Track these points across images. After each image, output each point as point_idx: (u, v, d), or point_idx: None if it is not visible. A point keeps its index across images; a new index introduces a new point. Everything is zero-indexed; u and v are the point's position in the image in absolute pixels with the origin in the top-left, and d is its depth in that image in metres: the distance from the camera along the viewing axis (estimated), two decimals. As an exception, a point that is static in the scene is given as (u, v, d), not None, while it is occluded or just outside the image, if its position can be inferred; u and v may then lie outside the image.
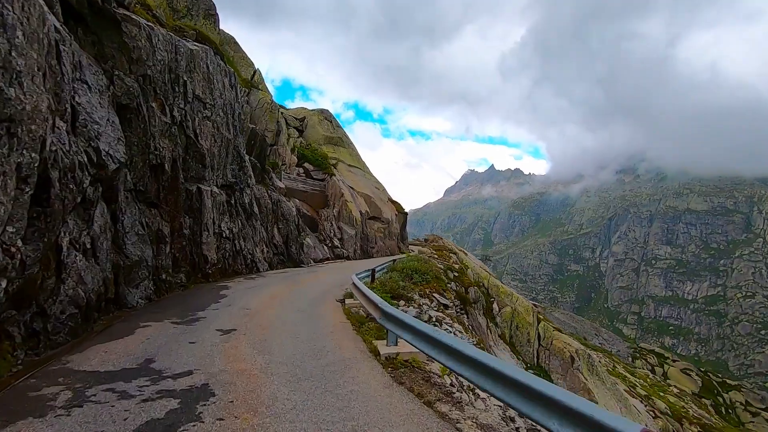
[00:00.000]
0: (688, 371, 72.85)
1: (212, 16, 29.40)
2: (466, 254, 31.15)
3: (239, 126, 18.83)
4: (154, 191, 11.34)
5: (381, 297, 10.47)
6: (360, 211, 29.33)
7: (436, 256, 22.43)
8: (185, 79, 13.45)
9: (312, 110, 46.84)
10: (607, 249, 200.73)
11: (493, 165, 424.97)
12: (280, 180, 25.95)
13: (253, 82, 37.31)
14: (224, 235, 15.54)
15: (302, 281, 15.37)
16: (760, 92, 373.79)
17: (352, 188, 31.23)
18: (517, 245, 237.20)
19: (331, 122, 42.99)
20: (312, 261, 22.82)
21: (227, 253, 15.64)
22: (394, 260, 18.81)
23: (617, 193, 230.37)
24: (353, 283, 10.53)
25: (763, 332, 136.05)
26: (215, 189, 15.17)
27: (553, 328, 20.61)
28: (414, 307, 12.72)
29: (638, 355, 78.44)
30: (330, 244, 25.61)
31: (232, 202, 16.93)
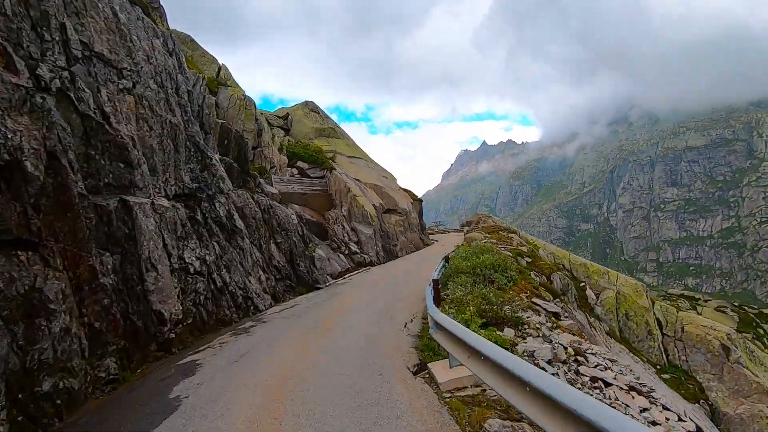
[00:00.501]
0: (722, 309, 69.31)
1: (155, 9, 23.64)
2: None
3: (192, 109, 13.15)
4: (17, 217, 5.70)
5: (482, 333, 5.07)
6: (373, 205, 23.68)
7: (494, 241, 17.03)
8: (64, 21, 7.78)
9: (294, 105, 41.05)
10: (614, 202, 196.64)
11: (484, 141, 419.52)
12: (271, 185, 20.38)
13: (220, 79, 31.90)
14: (192, 270, 9.91)
15: (325, 322, 9.62)
16: (739, 16, 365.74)
17: (358, 180, 25.57)
18: (523, 216, 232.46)
19: (318, 113, 37.23)
20: (329, 278, 17.24)
21: (201, 297, 9.99)
22: (447, 257, 13.20)
23: (614, 144, 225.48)
24: (448, 331, 4.89)
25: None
26: (162, 201, 9.51)
27: (677, 307, 15.22)
28: (534, 336, 7.17)
29: (669, 302, 74.19)
30: (346, 251, 20.01)
31: (199, 217, 11.27)
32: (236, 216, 13.66)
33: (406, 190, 32.90)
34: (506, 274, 9.99)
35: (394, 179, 33.62)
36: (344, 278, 17.74)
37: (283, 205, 18.74)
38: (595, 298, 14.82)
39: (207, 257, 10.85)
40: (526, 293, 9.47)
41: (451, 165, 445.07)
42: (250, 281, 12.97)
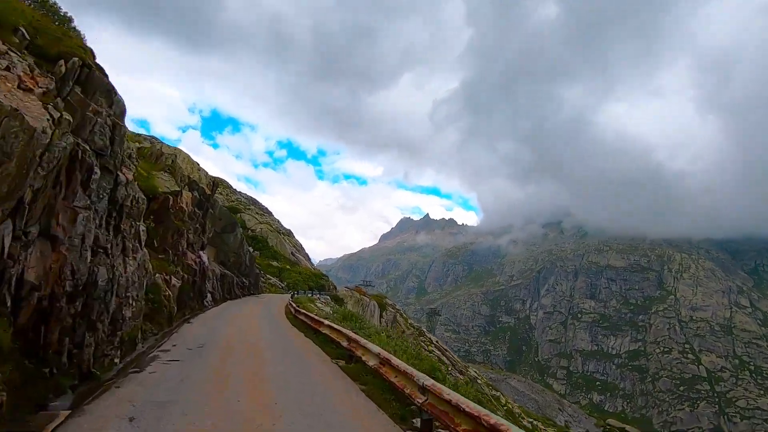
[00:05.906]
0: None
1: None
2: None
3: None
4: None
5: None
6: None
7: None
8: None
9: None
10: (537, 301, 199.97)
11: (428, 214, 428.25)
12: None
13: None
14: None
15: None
16: (661, 160, 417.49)
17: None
18: (450, 294, 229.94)
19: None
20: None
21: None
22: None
23: (544, 246, 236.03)
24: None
25: (681, 388, 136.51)
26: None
27: None
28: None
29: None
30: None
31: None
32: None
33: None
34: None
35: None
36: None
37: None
38: None
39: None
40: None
41: (392, 228, 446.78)
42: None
